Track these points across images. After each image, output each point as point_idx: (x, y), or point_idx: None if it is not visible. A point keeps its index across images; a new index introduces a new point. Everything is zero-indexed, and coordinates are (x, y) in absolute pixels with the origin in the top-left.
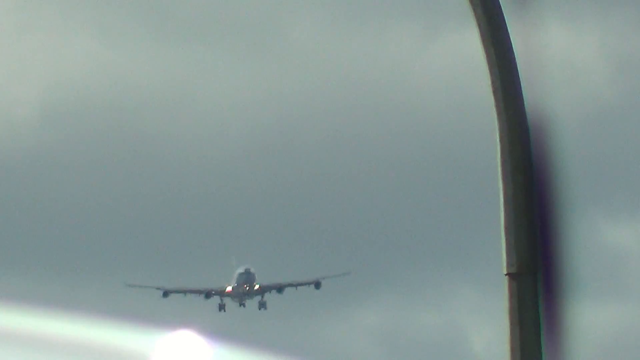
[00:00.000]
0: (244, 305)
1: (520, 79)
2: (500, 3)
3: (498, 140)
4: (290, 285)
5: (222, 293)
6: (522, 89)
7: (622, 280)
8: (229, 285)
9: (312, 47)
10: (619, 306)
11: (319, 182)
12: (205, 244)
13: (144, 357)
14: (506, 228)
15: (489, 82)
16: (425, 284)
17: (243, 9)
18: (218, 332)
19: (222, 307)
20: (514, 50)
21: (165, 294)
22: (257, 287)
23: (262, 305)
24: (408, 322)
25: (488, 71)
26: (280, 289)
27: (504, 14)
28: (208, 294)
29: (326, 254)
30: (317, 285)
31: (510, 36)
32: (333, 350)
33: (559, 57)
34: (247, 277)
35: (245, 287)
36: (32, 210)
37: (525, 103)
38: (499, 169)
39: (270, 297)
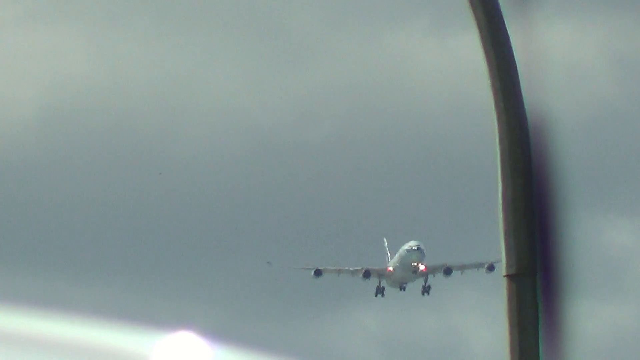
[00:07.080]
0: (404, 289)
1: (520, 81)
2: (500, 5)
3: (498, 142)
4: (464, 267)
5: (381, 273)
6: (522, 91)
7: (620, 281)
8: (388, 265)
9: (316, 44)
10: (617, 307)
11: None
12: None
13: (144, 358)
14: (505, 230)
15: (489, 84)
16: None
17: (247, 5)
18: (218, 333)
19: (379, 291)
20: (514, 52)
21: (318, 273)
22: (422, 267)
23: (426, 290)
24: (407, 323)
25: (488, 73)
26: (448, 270)
27: (504, 16)
28: (366, 274)
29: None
30: (491, 268)
31: (510, 38)
32: (333, 350)
33: (559, 59)
34: (418, 255)
35: (413, 266)
36: (35, 211)
37: (525, 104)
38: (499, 170)
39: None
